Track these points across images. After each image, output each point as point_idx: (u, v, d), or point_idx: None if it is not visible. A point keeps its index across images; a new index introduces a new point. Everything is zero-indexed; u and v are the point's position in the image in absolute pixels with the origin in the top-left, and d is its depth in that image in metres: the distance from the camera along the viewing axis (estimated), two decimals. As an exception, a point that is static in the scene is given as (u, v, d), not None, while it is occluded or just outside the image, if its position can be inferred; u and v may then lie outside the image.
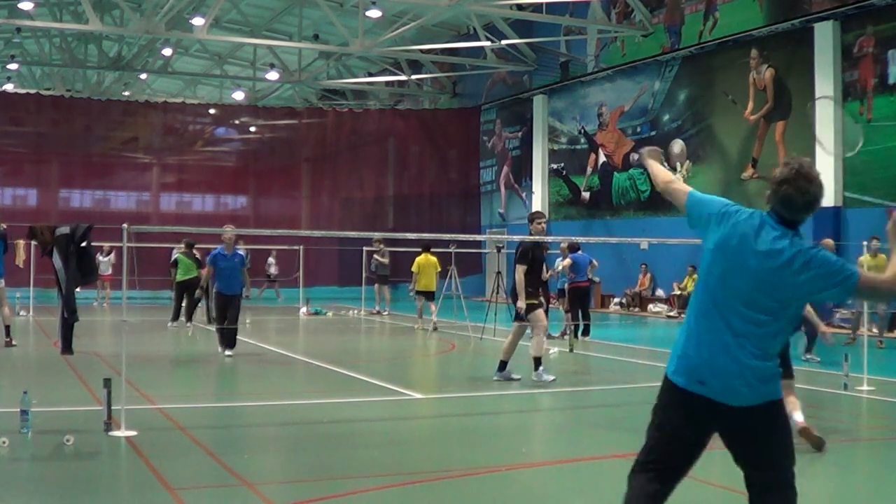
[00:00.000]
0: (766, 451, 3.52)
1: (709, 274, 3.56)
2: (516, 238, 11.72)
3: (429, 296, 18.06)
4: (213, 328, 12.25)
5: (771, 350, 3.50)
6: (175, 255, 17.49)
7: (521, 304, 10.29)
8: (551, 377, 10.41)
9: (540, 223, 10.77)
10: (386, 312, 21.95)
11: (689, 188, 3.88)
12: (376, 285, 22.22)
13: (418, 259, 18.17)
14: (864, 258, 13.64)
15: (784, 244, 3.42)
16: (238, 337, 12.74)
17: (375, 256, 21.64)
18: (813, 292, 3.47)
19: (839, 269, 3.40)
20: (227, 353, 12.46)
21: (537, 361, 10.44)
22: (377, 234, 20.80)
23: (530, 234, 10.76)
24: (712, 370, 3.46)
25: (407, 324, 19.58)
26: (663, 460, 3.60)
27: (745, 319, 3.45)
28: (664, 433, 3.61)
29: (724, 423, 3.52)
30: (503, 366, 10.59)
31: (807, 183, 3.43)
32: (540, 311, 10.51)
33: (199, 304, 16.59)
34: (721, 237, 3.54)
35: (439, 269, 18.30)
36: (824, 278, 3.40)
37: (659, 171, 4.12)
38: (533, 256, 10.52)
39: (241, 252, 12.75)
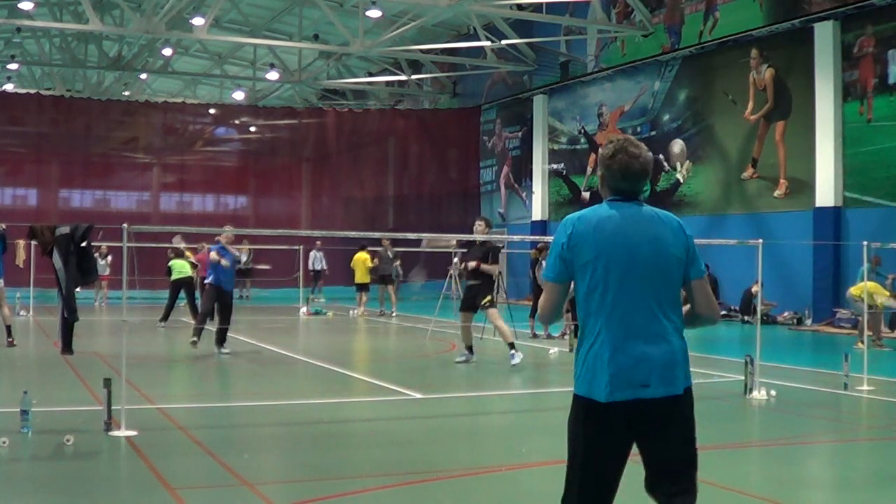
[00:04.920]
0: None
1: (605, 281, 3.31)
2: (516, 238, 11.81)
3: (363, 287, 21.14)
4: (212, 328, 12.20)
5: None
6: (170, 260, 17.49)
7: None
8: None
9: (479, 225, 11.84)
10: (393, 313, 21.51)
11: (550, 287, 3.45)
12: (379, 285, 21.68)
13: (356, 256, 21.11)
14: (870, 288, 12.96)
15: (656, 213, 3.49)
16: (238, 337, 12.72)
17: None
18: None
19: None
20: (224, 350, 12.45)
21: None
22: (377, 234, 20.78)
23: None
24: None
25: (407, 324, 19.59)
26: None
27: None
28: None
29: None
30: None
31: (636, 148, 3.42)
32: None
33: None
34: (595, 245, 3.33)
35: (370, 265, 21.22)
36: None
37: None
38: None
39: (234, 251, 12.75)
